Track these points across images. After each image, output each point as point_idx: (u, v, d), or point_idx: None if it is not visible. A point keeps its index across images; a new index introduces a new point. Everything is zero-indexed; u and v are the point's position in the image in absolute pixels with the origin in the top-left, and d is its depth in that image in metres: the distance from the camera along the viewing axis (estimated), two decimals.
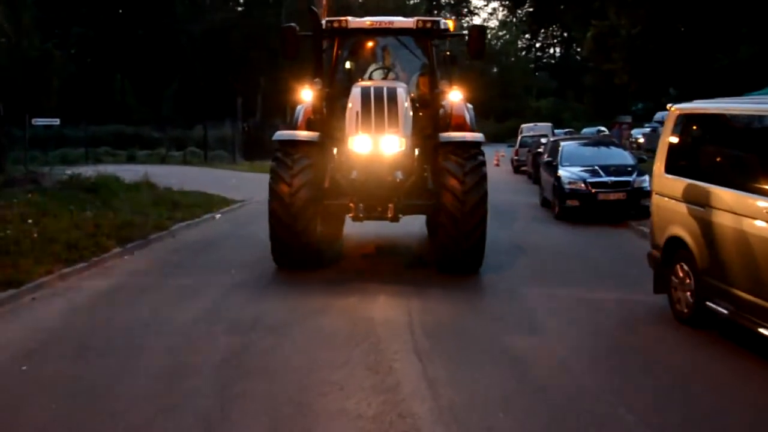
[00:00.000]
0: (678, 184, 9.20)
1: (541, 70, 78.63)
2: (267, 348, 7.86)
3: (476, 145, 11.59)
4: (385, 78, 12.39)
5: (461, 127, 12.14)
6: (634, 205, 17.84)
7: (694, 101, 9.88)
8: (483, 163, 11.46)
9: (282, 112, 51.99)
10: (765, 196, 7.53)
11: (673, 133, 9.62)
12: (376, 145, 10.78)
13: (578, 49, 79.22)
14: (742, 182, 8.00)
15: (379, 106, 10.86)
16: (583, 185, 18.04)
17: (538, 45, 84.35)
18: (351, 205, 11.12)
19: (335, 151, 11.61)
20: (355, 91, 11.24)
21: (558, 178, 18.58)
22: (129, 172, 22.08)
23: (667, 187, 9.51)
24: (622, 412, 6.26)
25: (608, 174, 18.27)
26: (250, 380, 6.89)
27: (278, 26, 50.98)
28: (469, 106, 12.83)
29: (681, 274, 9.06)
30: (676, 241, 9.18)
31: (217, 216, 17.94)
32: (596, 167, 18.66)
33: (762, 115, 8.38)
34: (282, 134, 12.00)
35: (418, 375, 7.05)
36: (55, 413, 6.12)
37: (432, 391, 6.63)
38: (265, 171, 30.72)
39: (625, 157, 19.85)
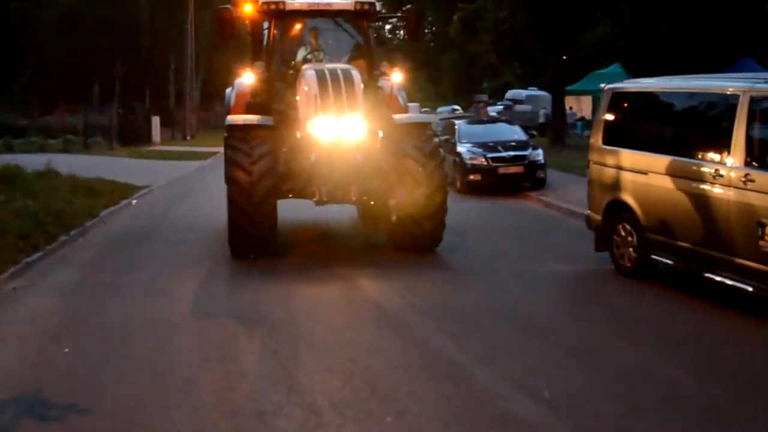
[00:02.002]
0: (618, 154, 10.40)
1: (393, 52, 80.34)
2: (290, 326, 8.18)
3: (430, 126, 12.18)
4: (320, 61, 12.19)
5: (399, 110, 12.47)
6: (530, 178, 19.34)
7: (626, 81, 11.13)
8: (440, 145, 12.00)
9: (141, 97, 50.83)
10: (709, 162, 8.80)
11: (609, 109, 10.79)
12: (338, 128, 10.79)
13: (425, 31, 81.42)
14: (685, 150, 9.27)
15: (337, 88, 10.88)
16: (484, 160, 19.28)
17: (388, 27, 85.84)
18: (315, 190, 11.01)
19: (298, 135, 11.33)
20: (309, 73, 11.17)
21: (459, 155, 19.69)
22: (20, 162, 21.43)
23: (605, 158, 10.68)
24: (618, 344, 7.53)
25: (506, 149, 19.60)
26: (294, 349, 7.41)
27: (134, 11, 48.50)
28: (399, 88, 13.12)
29: (623, 233, 10.28)
30: (617, 205, 10.39)
31: (134, 202, 17.95)
32: (493, 143, 19.93)
33: (693, 92, 9.76)
34: (235, 119, 11.83)
35: (439, 331, 7.90)
36: (140, 385, 6.52)
37: (461, 343, 7.50)
38: (144, 157, 30.88)
39: (517, 133, 21.22)
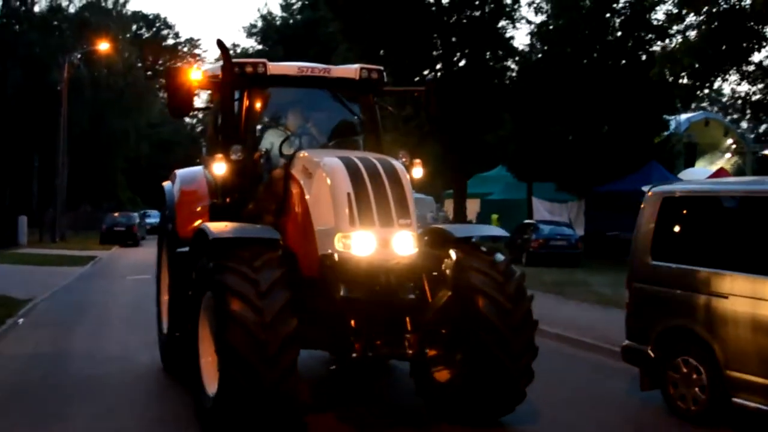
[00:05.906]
0: (679, 272, 8.62)
1: None
2: None
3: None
4: (300, 148, 8.94)
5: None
6: None
7: (678, 183, 9.51)
8: (512, 261, 8.63)
9: None
10: None
11: (659, 217, 9.03)
12: (384, 246, 7.42)
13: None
14: None
15: (380, 188, 7.59)
16: None
17: None
18: (353, 339, 7.36)
19: (334, 254, 7.54)
20: (333, 164, 7.76)
21: None
22: None
23: (657, 276, 8.89)
24: None
25: None
26: None
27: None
28: None
29: (685, 370, 8.44)
30: (676, 334, 8.56)
31: (20, 321, 14.72)
32: None
33: None
34: (219, 230, 7.69)
35: None
36: None
37: None
38: (15, 261, 27.00)
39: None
